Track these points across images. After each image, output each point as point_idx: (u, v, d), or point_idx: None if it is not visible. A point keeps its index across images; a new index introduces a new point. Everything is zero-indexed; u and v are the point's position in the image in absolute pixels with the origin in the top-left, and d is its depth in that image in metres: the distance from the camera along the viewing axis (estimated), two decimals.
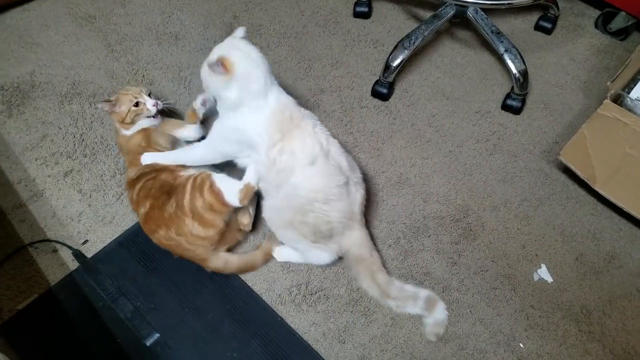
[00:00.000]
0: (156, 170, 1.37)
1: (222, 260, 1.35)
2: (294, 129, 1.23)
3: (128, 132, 1.42)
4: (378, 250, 1.37)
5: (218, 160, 1.36)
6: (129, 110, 1.38)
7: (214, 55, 1.22)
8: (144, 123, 1.42)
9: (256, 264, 1.38)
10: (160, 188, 1.34)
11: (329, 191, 1.24)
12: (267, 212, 1.34)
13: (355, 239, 1.32)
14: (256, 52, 1.24)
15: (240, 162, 1.34)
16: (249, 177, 1.29)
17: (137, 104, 1.38)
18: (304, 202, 1.24)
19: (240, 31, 1.28)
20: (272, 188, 1.28)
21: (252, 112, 1.23)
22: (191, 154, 1.40)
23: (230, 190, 1.29)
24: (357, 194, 1.32)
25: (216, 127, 1.31)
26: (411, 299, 1.30)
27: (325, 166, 1.24)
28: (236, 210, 1.35)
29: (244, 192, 1.28)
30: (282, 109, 1.24)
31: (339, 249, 1.33)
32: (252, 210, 1.41)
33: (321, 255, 1.34)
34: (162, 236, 1.32)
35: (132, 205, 1.40)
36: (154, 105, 1.40)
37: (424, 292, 1.31)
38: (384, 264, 1.35)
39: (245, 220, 1.38)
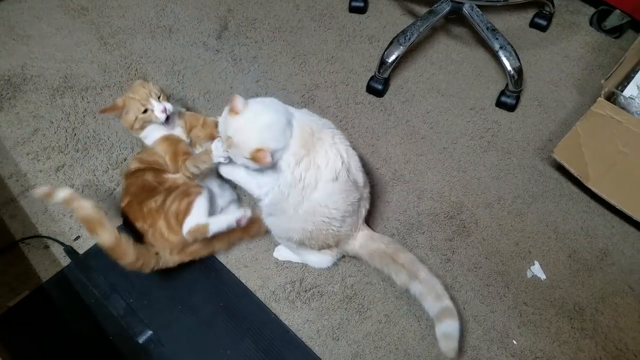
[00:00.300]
0: (145, 168, 1.34)
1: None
2: (316, 142, 1.18)
3: (147, 141, 1.35)
4: (391, 236, 1.38)
5: (253, 190, 1.28)
6: (136, 118, 1.29)
7: (245, 148, 1.13)
8: (155, 129, 1.33)
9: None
10: (140, 187, 1.30)
11: (346, 209, 1.23)
12: (273, 228, 1.32)
13: (359, 241, 1.32)
14: (269, 115, 1.15)
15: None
16: (213, 222, 1.25)
17: (145, 111, 1.29)
18: (324, 219, 1.22)
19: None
20: (291, 207, 1.22)
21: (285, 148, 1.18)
22: (236, 174, 1.32)
23: (192, 219, 1.25)
24: (363, 209, 1.32)
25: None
26: (434, 294, 1.23)
27: (345, 183, 1.21)
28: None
29: (195, 230, 1.24)
30: (303, 127, 1.19)
31: (344, 252, 1.34)
32: None
33: (323, 260, 1.35)
34: (139, 227, 1.29)
35: None
36: (162, 112, 1.28)
37: (447, 301, 1.23)
38: (397, 243, 1.32)
39: None
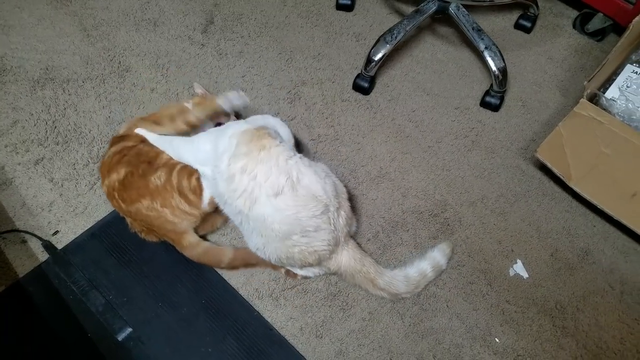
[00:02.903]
0: (142, 140, 1.33)
1: (195, 240, 1.32)
2: (261, 150, 1.15)
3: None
4: (369, 255, 1.35)
5: (190, 160, 1.29)
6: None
7: None
8: None
9: (223, 261, 1.34)
10: (136, 156, 1.29)
11: (304, 223, 1.15)
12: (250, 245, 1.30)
13: (342, 259, 1.27)
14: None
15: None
16: None
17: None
18: (281, 235, 1.16)
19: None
20: (234, 215, 1.21)
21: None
22: (173, 144, 1.32)
23: (206, 191, 1.28)
24: (340, 219, 1.23)
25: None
26: (422, 276, 1.33)
27: (293, 198, 1.13)
28: None
29: (211, 198, 1.28)
30: (262, 130, 1.20)
31: (327, 270, 1.31)
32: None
33: (307, 273, 1.34)
34: (144, 207, 1.26)
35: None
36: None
37: (425, 263, 1.35)
38: (377, 266, 1.31)
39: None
